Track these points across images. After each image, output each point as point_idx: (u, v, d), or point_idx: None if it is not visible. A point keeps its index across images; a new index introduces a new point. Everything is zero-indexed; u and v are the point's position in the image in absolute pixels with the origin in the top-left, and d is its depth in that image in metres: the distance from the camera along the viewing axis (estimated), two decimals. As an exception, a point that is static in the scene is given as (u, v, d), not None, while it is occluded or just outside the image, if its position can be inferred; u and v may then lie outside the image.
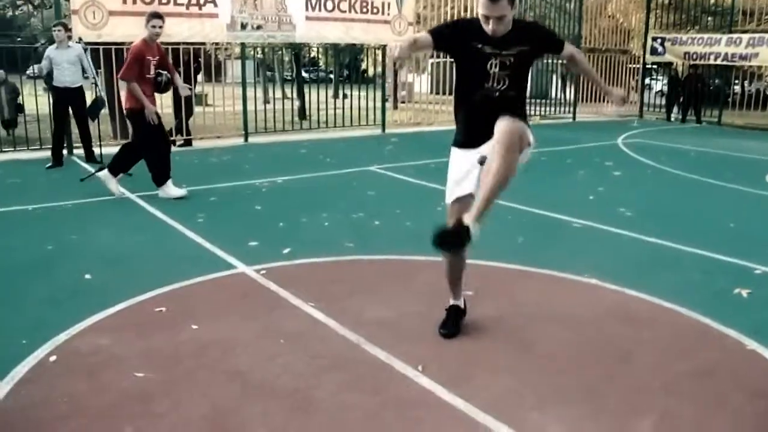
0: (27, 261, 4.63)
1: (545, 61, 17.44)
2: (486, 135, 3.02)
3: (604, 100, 17.17)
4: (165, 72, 6.62)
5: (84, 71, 8.33)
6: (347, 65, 29.23)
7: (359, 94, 13.52)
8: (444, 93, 15.37)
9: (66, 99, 8.39)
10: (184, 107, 10.41)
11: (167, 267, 4.50)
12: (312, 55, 29.29)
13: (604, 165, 9.19)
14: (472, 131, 3.20)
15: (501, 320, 3.69)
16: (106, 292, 3.98)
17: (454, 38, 3.16)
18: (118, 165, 6.70)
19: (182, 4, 9.99)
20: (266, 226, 5.66)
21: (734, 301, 4.07)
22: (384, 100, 13.46)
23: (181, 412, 2.68)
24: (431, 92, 17.56)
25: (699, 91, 16.03)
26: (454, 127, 3.38)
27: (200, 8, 10.18)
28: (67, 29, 8.49)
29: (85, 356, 3.14)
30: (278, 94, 18.92)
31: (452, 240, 2.88)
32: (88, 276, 4.29)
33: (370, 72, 19.49)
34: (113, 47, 9.72)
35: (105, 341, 3.30)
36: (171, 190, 6.65)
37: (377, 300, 3.93)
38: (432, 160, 8.76)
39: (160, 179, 6.66)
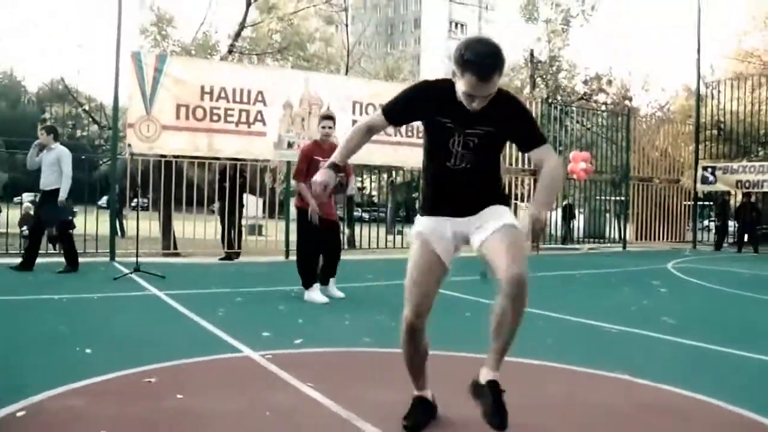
0: (34, 337, 4.56)
1: (598, 198, 17.21)
2: (453, 207, 2.80)
3: (656, 238, 16.77)
4: (341, 174, 6.54)
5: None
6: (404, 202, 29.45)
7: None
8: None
9: (40, 202, 8.04)
10: (227, 220, 10.58)
11: (172, 347, 4.33)
12: (367, 193, 29.52)
13: (651, 283, 8.75)
14: (436, 203, 2.88)
15: (520, 410, 3.28)
16: (103, 364, 3.81)
17: (411, 114, 2.93)
18: (306, 278, 6.50)
19: (232, 122, 10.42)
20: (284, 321, 5.49)
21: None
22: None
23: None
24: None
25: (754, 220, 15.53)
26: None
27: (249, 126, 10.58)
28: (50, 132, 7.87)
29: (52, 414, 2.96)
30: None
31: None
32: (88, 350, 4.16)
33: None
34: (162, 159, 10.10)
35: (79, 402, 3.11)
36: (314, 294, 6.41)
37: (383, 386, 3.63)
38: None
39: (305, 282, 6.48)
